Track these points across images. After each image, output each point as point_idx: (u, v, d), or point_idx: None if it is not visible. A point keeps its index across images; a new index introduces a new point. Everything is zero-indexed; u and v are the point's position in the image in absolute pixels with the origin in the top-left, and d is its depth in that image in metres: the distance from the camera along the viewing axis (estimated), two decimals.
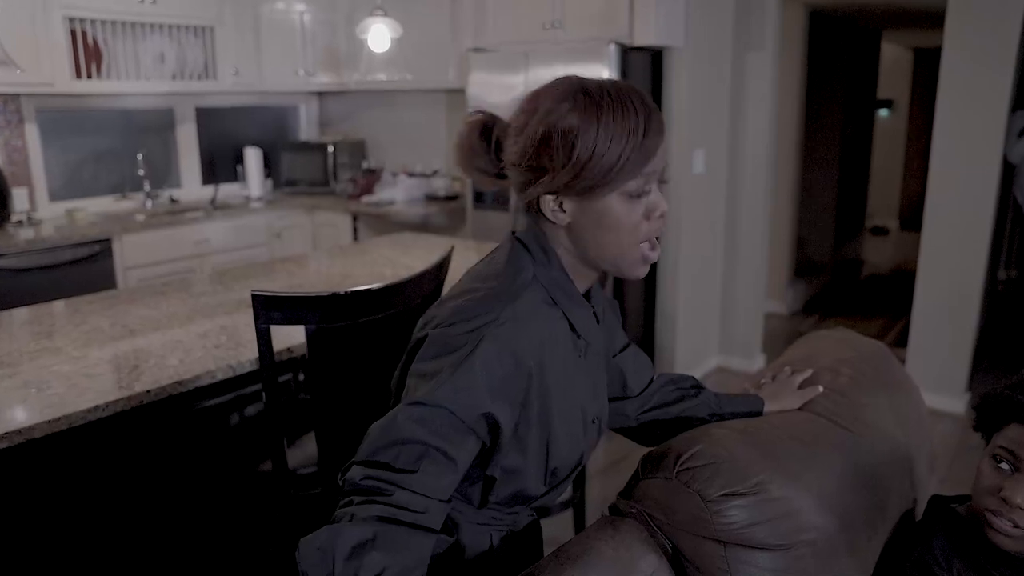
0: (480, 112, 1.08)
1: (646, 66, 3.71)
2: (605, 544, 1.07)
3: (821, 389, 1.44)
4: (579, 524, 2.62)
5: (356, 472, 0.93)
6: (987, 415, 1.26)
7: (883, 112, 8.62)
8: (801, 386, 1.45)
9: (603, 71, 3.46)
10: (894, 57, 8.40)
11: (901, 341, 4.42)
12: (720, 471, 1.12)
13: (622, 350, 1.33)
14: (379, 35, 3.43)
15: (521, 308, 0.99)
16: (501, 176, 1.07)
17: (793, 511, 1.14)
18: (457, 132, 1.09)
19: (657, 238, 1.04)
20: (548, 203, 1.01)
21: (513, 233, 1.09)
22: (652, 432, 1.39)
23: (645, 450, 1.25)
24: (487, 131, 1.07)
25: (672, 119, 3.81)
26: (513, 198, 3.81)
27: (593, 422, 1.15)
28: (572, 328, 1.07)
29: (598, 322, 1.14)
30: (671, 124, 3.82)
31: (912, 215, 8.50)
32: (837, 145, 6.17)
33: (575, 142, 0.96)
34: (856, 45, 6.34)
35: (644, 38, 3.48)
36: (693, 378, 1.44)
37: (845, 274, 6.76)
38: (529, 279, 1.03)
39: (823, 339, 1.75)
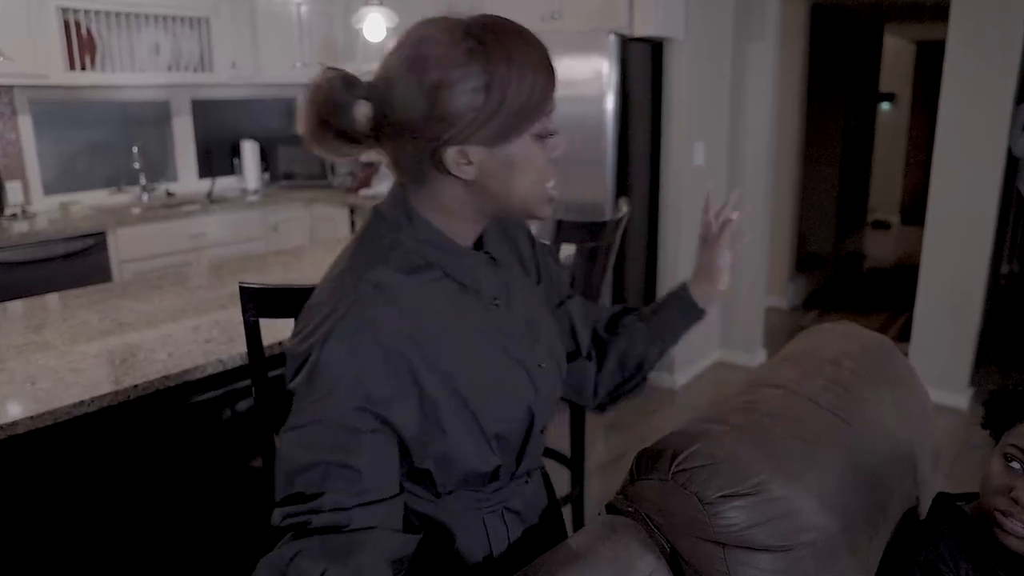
0: (334, 68, 0.94)
1: (646, 57, 3.67)
2: (603, 544, 1.03)
3: (746, 240, 1.33)
4: (578, 521, 2.59)
5: (276, 515, 0.88)
6: (997, 413, 1.23)
7: (885, 106, 8.57)
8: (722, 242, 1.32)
9: (603, 62, 3.41)
10: (896, 50, 8.35)
11: (903, 336, 4.39)
12: (718, 471, 1.08)
13: (563, 302, 1.24)
14: (375, 25, 3.39)
15: (368, 291, 0.90)
16: (374, 137, 0.94)
17: (794, 511, 1.10)
18: (308, 88, 0.93)
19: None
20: (451, 157, 0.91)
21: (375, 207, 1.02)
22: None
23: (644, 447, 1.20)
24: (350, 86, 0.92)
25: (672, 110, 3.77)
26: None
27: (540, 366, 1.07)
28: (461, 284, 0.99)
29: (501, 265, 1.07)
30: (671, 115, 3.78)
31: (914, 209, 8.47)
32: (839, 139, 6.13)
33: (488, 85, 0.87)
34: (858, 38, 6.29)
35: (644, 29, 3.44)
36: (622, 310, 1.34)
37: (846, 269, 6.72)
38: (385, 250, 0.95)
39: (826, 332, 1.71)
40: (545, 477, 1.27)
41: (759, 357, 4.42)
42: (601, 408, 1.33)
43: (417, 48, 0.90)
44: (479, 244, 1.05)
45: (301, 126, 0.95)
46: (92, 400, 1.55)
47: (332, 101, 0.91)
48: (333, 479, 0.86)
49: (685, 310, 1.30)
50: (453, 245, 0.99)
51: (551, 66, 0.93)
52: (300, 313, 0.96)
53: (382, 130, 0.93)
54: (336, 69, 0.93)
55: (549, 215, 1.01)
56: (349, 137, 0.94)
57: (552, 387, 1.11)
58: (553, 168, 0.98)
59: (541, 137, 0.94)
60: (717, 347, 4.49)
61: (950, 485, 1.62)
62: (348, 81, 0.92)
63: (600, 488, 3.00)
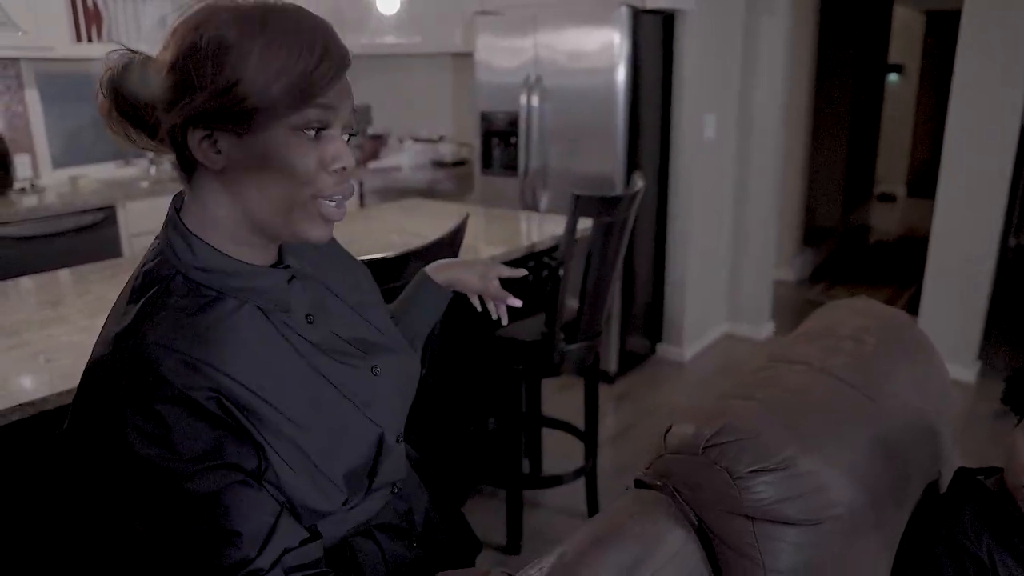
0: (122, 49, 0.87)
1: (657, 29, 3.64)
2: (633, 519, 1.05)
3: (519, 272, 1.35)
4: (591, 493, 2.61)
5: None
6: (1021, 390, 1.24)
7: (892, 77, 8.50)
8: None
9: (614, 34, 3.39)
10: (905, 21, 8.26)
11: (910, 309, 4.40)
12: (747, 447, 1.09)
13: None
14: None
15: (149, 348, 0.79)
16: (153, 133, 0.86)
17: (821, 486, 1.12)
18: (104, 72, 0.87)
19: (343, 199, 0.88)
20: (196, 140, 0.82)
21: (157, 238, 0.91)
22: None
23: (655, 419, 1.22)
24: (135, 63, 0.85)
25: (683, 83, 3.75)
26: (522, 153, 3.76)
27: (374, 372, 0.99)
28: (264, 311, 0.89)
29: (312, 278, 0.98)
30: (682, 88, 3.76)
31: (920, 181, 8.44)
32: (847, 111, 6.09)
33: (228, 51, 0.79)
34: (868, 9, 6.22)
35: (656, 1, 3.41)
36: None
37: (853, 241, 6.72)
38: (162, 292, 0.84)
39: (844, 308, 1.72)
40: (418, 466, 1.20)
41: (766, 330, 4.44)
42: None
43: (183, 24, 0.83)
44: (280, 263, 0.95)
45: (102, 116, 0.88)
46: None
47: (113, 80, 0.85)
48: (217, 552, 0.81)
49: (439, 300, 1.29)
50: (245, 267, 0.88)
51: (325, 59, 0.82)
52: (79, 387, 0.85)
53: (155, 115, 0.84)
54: (124, 50, 0.87)
55: (325, 239, 0.89)
56: (134, 122, 0.87)
57: (396, 383, 1.04)
58: (328, 183, 0.86)
59: (306, 132, 0.83)
60: (725, 320, 4.50)
61: (959, 458, 1.64)
62: (132, 59, 0.86)
63: (610, 460, 3.03)
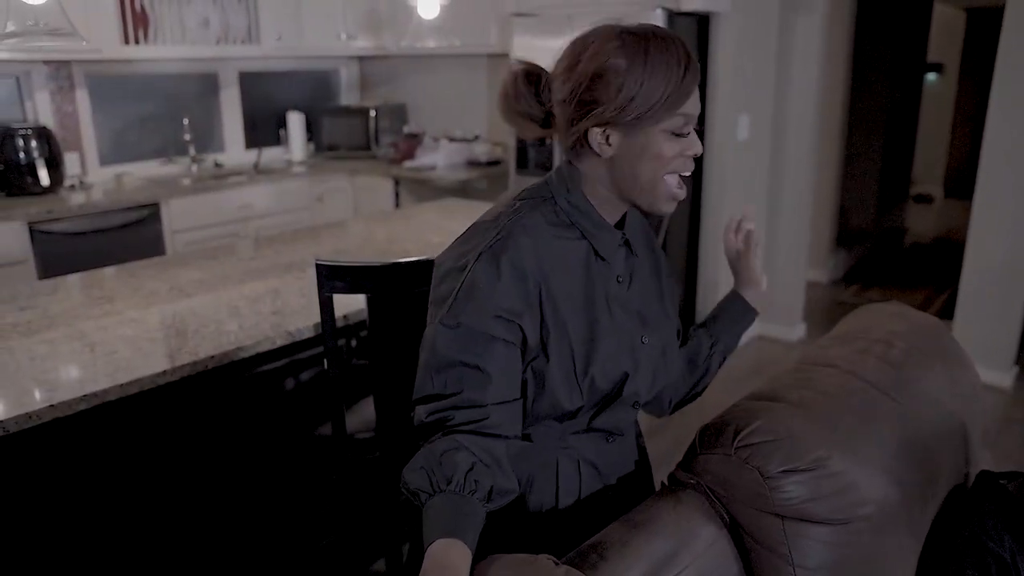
0: (524, 61, 1.16)
1: (692, 31, 3.66)
2: (668, 514, 1.09)
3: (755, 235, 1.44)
4: None
5: (420, 412, 1.06)
6: None
7: (931, 77, 8.39)
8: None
9: None
10: (945, 19, 8.15)
11: (945, 313, 4.37)
12: (779, 447, 1.13)
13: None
14: (428, 2, 3.43)
15: (517, 227, 1.09)
16: (544, 124, 1.15)
17: (851, 486, 1.15)
18: (502, 80, 1.16)
19: (684, 177, 1.13)
20: (596, 135, 1.08)
21: (548, 175, 1.19)
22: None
23: (686, 417, 1.26)
24: (533, 76, 1.14)
25: (718, 84, 3.77)
26: (556, 154, 3.81)
27: (643, 341, 1.20)
28: (595, 252, 1.15)
29: (631, 250, 1.21)
30: (716, 89, 3.77)
31: (958, 183, 8.32)
32: (883, 111, 6.04)
33: (625, 77, 1.03)
34: (906, 7, 6.16)
35: (691, 3, 3.43)
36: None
37: (887, 243, 6.66)
38: (539, 204, 1.13)
39: (876, 312, 1.74)
40: (642, 454, 1.38)
41: (798, 331, 4.43)
42: (670, 412, 1.46)
43: (580, 45, 1.08)
44: (620, 227, 1.19)
45: (500, 110, 1.17)
46: (174, 370, 1.64)
47: (515, 90, 1.14)
48: (469, 380, 1.04)
49: (741, 313, 1.47)
50: (598, 218, 1.15)
51: (688, 74, 1.06)
52: (463, 233, 1.14)
53: (551, 113, 1.13)
54: (524, 62, 1.15)
55: (671, 211, 1.14)
56: (531, 118, 1.14)
57: (653, 366, 1.22)
58: (683, 165, 1.11)
59: (675, 135, 1.08)
60: (757, 321, 4.49)
61: (993, 462, 1.66)
62: (530, 72, 1.14)
63: None
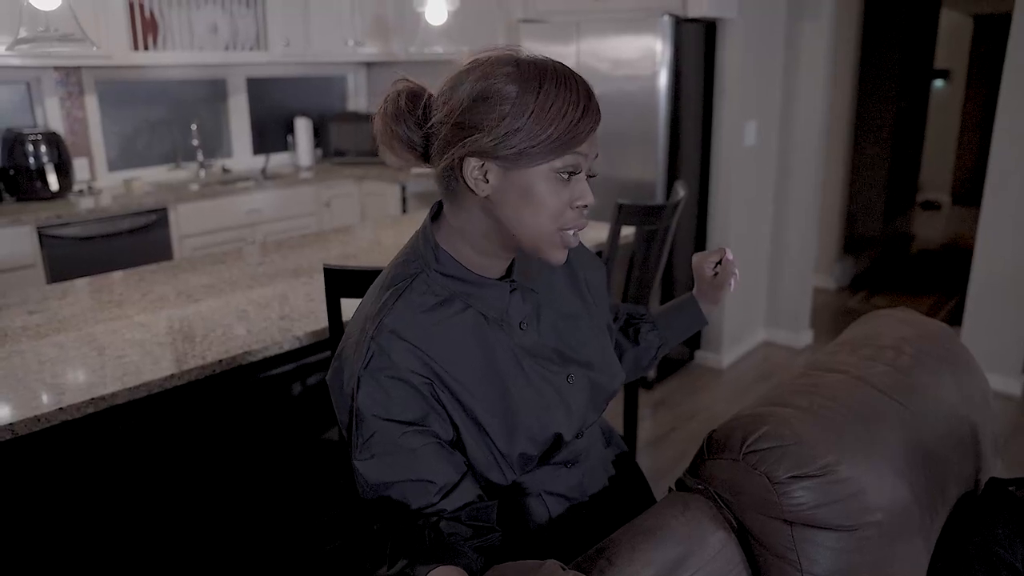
0: (406, 79, 1.05)
1: (699, 37, 3.66)
2: (676, 520, 1.09)
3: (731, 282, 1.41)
4: None
5: (377, 529, 1.05)
6: None
7: (938, 83, 8.38)
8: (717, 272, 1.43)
9: (656, 42, 3.42)
10: (952, 25, 8.14)
11: (953, 319, 4.36)
12: (787, 453, 1.13)
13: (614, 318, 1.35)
14: (436, 8, 3.44)
15: (384, 334, 1.00)
16: (425, 154, 1.03)
17: (860, 492, 1.15)
18: (381, 99, 1.04)
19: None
20: (471, 167, 0.97)
21: (414, 237, 1.11)
22: None
23: (693, 424, 1.26)
24: (416, 96, 1.03)
25: (724, 90, 3.77)
26: None
27: (569, 380, 1.14)
28: (483, 315, 1.06)
29: (529, 287, 1.12)
30: (723, 96, 3.78)
31: (966, 189, 8.30)
32: (890, 117, 6.02)
33: (512, 104, 0.94)
34: (913, 13, 6.15)
35: (697, 9, 3.43)
36: (629, 312, 1.45)
37: (895, 249, 6.64)
38: (408, 285, 1.04)
39: (884, 318, 1.74)
40: (621, 458, 1.34)
41: (805, 337, 4.42)
42: None
43: (470, 64, 0.99)
44: (508, 274, 1.10)
45: (376, 133, 1.05)
46: (182, 374, 1.64)
47: (395, 109, 1.02)
48: (410, 491, 1.00)
49: (694, 320, 1.46)
50: (476, 278, 1.06)
51: (584, 118, 0.96)
52: (337, 350, 1.07)
53: (429, 139, 1.01)
54: (409, 80, 1.03)
55: (561, 261, 1.04)
56: (409, 144, 1.03)
57: (585, 399, 1.16)
58: (574, 219, 1.01)
59: (562, 175, 0.97)
60: (763, 326, 4.50)
61: (1004, 470, 1.65)
62: (413, 93, 1.02)
63: (649, 464, 3.06)
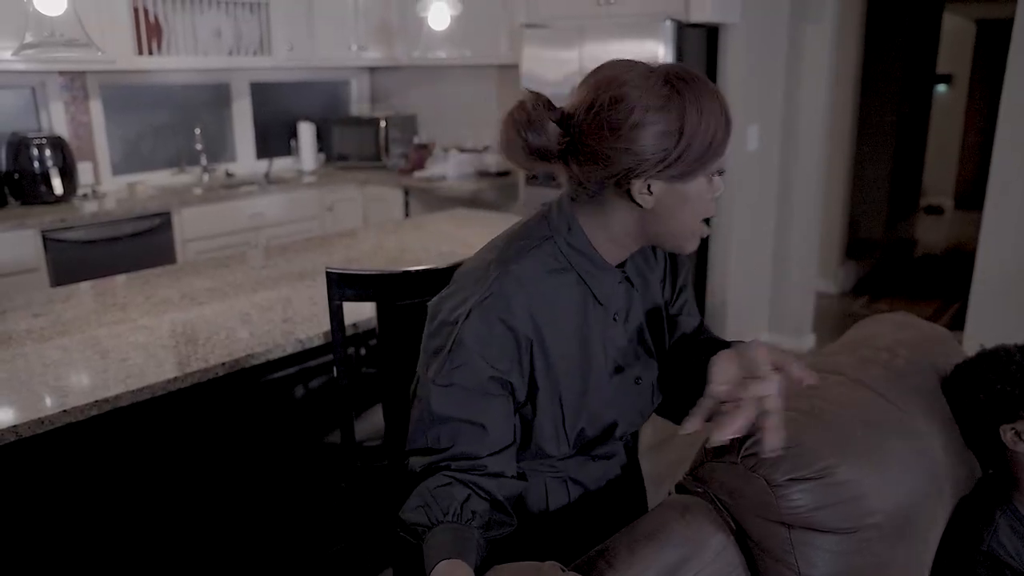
0: (535, 92, 1.07)
1: (701, 43, 3.67)
2: (676, 523, 1.09)
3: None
4: None
5: (413, 462, 1.07)
6: None
7: (941, 88, 8.38)
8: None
9: (658, 47, 3.43)
10: (955, 30, 8.15)
11: (955, 324, 4.35)
12: (786, 455, 1.13)
13: (676, 296, 1.31)
14: (439, 13, 3.45)
15: (509, 280, 1.05)
16: (557, 158, 1.05)
17: (859, 495, 1.15)
18: (512, 109, 1.05)
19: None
20: (637, 186, 1.02)
21: (545, 206, 1.15)
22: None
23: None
24: (548, 108, 1.05)
25: (727, 95, 3.75)
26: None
27: (637, 382, 1.19)
28: (592, 293, 1.12)
29: (631, 283, 1.18)
30: (726, 100, 3.78)
31: (968, 194, 8.29)
32: (893, 121, 6.03)
33: (680, 129, 0.98)
34: (916, 17, 6.16)
35: (700, 14, 3.45)
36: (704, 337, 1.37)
37: (897, 254, 6.64)
38: (536, 245, 1.09)
39: (883, 322, 1.74)
40: (631, 456, 1.37)
41: (808, 341, 4.42)
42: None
43: (619, 88, 1.00)
44: (622, 265, 1.16)
45: (500, 140, 1.07)
46: (184, 376, 1.65)
47: (530, 119, 1.03)
48: (465, 435, 1.04)
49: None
50: (599, 259, 1.11)
51: (729, 116, 1.03)
52: (452, 278, 1.12)
53: (572, 152, 1.04)
54: (537, 93, 1.06)
55: (694, 249, 1.11)
56: (539, 153, 1.05)
57: (644, 401, 1.23)
58: (713, 206, 1.08)
59: (713, 177, 1.05)
60: (766, 331, 4.50)
61: None
62: (546, 104, 1.05)
63: (652, 468, 3.05)
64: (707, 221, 1.11)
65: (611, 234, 1.09)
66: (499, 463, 1.05)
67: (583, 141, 1.02)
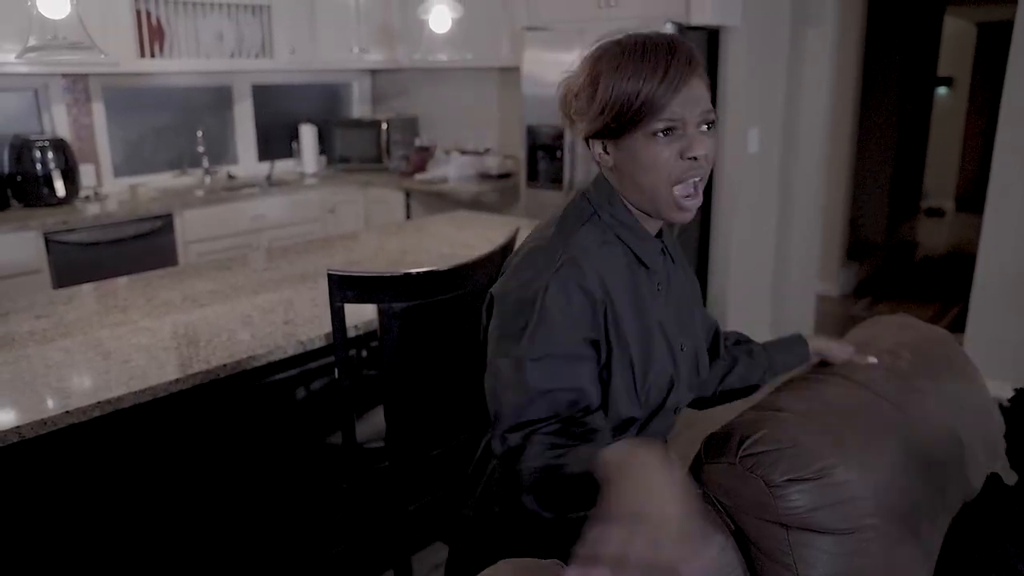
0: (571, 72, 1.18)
1: (702, 45, 3.68)
2: None
3: (874, 360, 1.47)
4: None
5: (513, 438, 1.06)
6: None
7: (942, 90, 8.38)
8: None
9: None
10: (956, 32, 8.15)
11: (956, 326, 4.36)
12: (784, 456, 1.14)
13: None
14: (440, 16, 3.47)
15: (575, 250, 1.10)
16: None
17: (856, 496, 1.16)
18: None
19: (697, 183, 1.10)
20: (595, 147, 1.13)
21: (582, 190, 1.21)
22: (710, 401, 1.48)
23: (697, 425, 1.27)
24: (566, 90, 1.17)
25: (727, 98, 3.78)
26: (567, 168, 3.84)
27: (682, 348, 1.22)
28: (640, 260, 1.16)
29: (673, 260, 1.24)
30: (726, 103, 3.79)
31: (970, 196, 8.29)
32: (894, 124, 6.04)
33: (598, 85, 1.06)
34: (917, 20, 6.17)
35: (700, 17, 3.45)
36: (739, 335, 1.52)
37: (898, 256, 6.64)
38: (585, 221, 1.15)
39: (884, 324, 1.75)
40: None
41: None
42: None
43: (590, 53, 1.12)
44: (659, 236, 1.21)
45: None
46: (186, 378, 1.66)
47: (560, 96, 1.17)
48: (565, 402, 1.05)
49: (799, 357, 1.52)
50: (641, 229, 1.16)
51: (668, 75, 1.04)
52: (513, 263, 1.16)
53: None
54: (570, 75, 1.16)
55: (682, 221, 1.12)
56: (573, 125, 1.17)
57: (688, 370, 1.25)
58: (686, 170, 1.07)
59: (661, 136, 1.05)
60: (766, 333, 4.50)
61: (1003, 475, 1.65)
62: (567, 86, 1.16)
63: None
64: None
65: (627, 203, 1.15)
66: (597, 421, 1.08)
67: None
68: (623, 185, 1.13)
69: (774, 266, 4.37)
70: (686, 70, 1.05)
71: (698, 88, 1.07)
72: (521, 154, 4.10)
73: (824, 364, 1.52)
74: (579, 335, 1.07)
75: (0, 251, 3.30)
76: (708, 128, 1.09)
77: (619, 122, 1.06)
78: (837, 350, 1.51)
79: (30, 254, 3.38)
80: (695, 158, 1.06)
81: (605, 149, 1.12)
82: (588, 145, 1.15)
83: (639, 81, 1.03)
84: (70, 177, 3.78)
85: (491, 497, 1.25)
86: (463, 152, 4.81)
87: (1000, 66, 3.50)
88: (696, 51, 1.09)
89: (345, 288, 1.62)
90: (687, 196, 1.09)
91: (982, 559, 1.29)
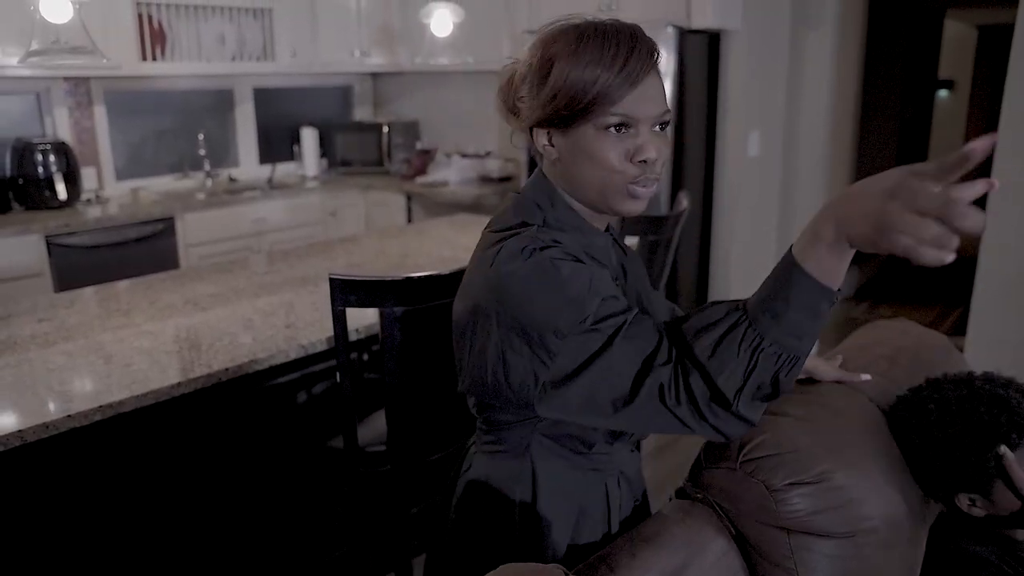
0: (514, 59, 1.11)
1: (703, 48, 3.69)
2: (677, 527, 1.10)
3: (866, 377, 1.44)
4: None
5: (649, 384, 0.94)
6: None
7: (942, 93, 8.39)
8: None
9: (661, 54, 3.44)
10: (957, 35, 8.16)
11: (958, 329, 4.36)
12: (784, 461, 1.14)
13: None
14: (441, 19, 3.47)
15: (539, 234, 1.02)
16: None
17: (856, 500, 1.16)
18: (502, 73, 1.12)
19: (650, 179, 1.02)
20: (539, 137, 1.05)
21: (515, 193, 1.13)
22: None
23: (695, 436, 1.27)
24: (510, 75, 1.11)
25: (728, 101, 3.79)
26: None
27: None
28: (593, 259, 1.06)
29: (624, 252, 1.19)
30: (727, 106, 3.80)
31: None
32: (894, 127, 6.04)
33: (551, 68, 0.99)
34: (918, 23, 6.18)
35: (701, 20, 3.46)
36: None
37: (899, 260, 6.60)
38: (539, 224, 1.05)
39: (883, 328, 1.75)
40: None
41: None
42: None
43: (538, 38, 1.05)
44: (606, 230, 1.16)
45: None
46: (188, 382, 1.66)
47: (501, 83, 1.11)
48: (644, 326, 0.96)
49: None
50: (588, 227, 1.09)
51: (632, 67, 0.96)
52: (462, 284, 1.10)
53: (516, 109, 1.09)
54: (516, 61, 1.09)
55: (633, 213, 1.04)
56: (511, 112, 1.10)
57: None
58: (637, 173, 0.99)
59: (612, 131, 0.98)
60: None
61: None
62: (512, 69, 1.10)
63: (652, 475, 3.06)
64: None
65: (570, 199, 1.08)
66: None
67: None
68: (568, 179, 1.05)
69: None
70: (647, 63, 0.98)
71: (655, 84, 1.00)
72: (522, 157, 4.11)
73: (811, 381, 1.43)
74: (605, 276, 1.00)
75: (2, 254, 3.31)
76: (661, 129, 1.02)
77: (570, 110, 0.98)
78: (824, 369, 1.44)
79: (32, 257, 3.39)
80: (646, 161, 0.99)
81: (550, 140, 1.04)
82: (531, 136, 1.07)
83: (597, 68, 0.96)
84: (72, 180, 3.79)
85: (469, 502, 1.21)
86: (464, 155, 4.82)
87: (1001, 68, 3.50)
88: (657, 45, 1.02)
89: (347, 292, 1.62)
90: (642, 187, 1.02)
91: (951, 552, 1.30)
